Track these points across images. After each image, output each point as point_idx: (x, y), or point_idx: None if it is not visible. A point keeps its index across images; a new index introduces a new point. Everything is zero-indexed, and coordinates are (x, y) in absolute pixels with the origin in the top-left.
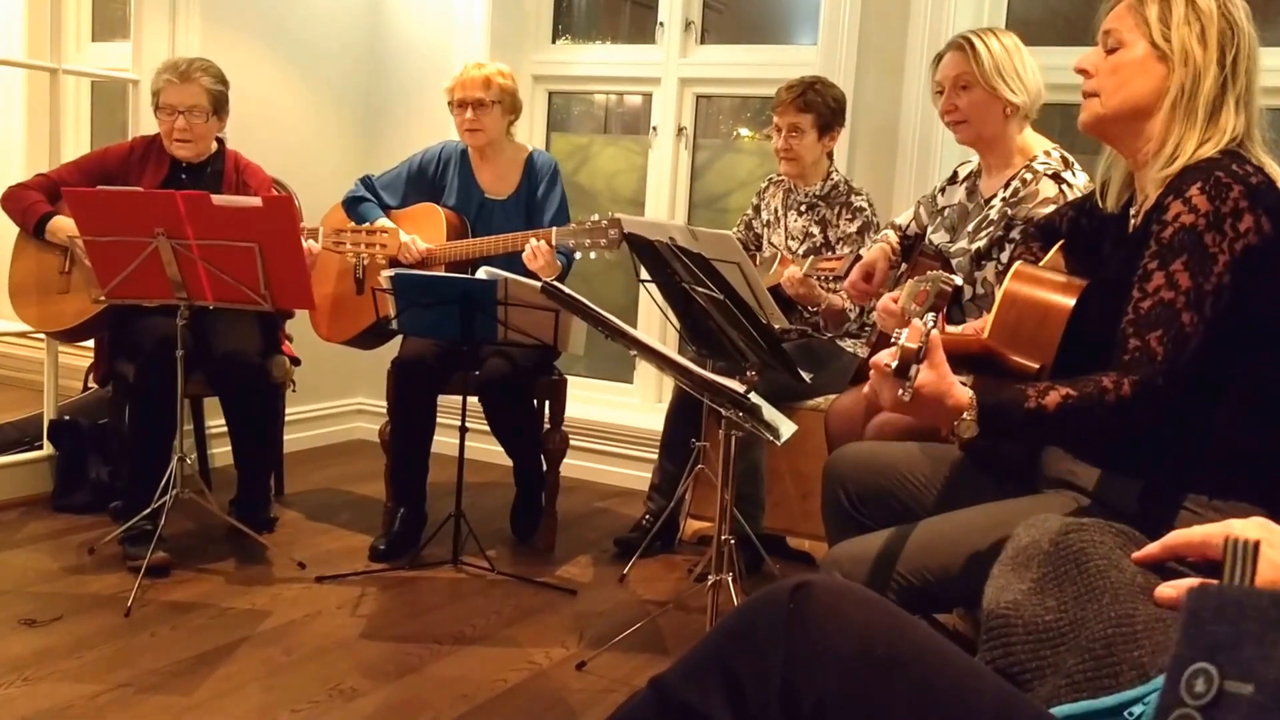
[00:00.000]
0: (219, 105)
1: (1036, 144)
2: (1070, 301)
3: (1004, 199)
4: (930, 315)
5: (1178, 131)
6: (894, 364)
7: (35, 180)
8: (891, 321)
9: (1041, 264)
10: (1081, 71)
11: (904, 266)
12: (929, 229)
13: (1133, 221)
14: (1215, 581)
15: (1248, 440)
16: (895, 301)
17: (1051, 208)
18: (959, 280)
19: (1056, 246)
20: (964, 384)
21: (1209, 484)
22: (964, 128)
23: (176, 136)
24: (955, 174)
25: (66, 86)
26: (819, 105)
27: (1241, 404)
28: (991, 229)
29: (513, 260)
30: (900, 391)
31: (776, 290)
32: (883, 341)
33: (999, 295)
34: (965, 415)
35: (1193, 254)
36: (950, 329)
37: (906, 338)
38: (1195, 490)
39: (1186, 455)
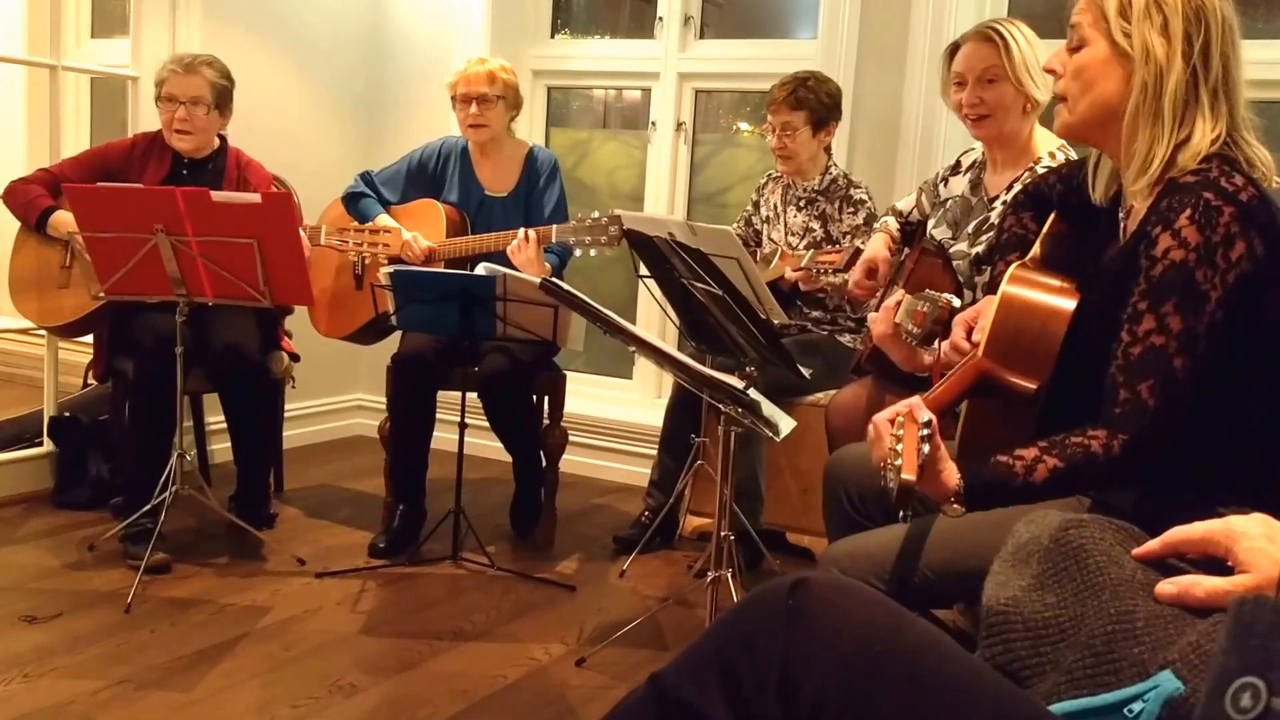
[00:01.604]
0: (222, 100)
1: (1043, 142)
2: (1070, 306)
3: (1006, 203)
4: (925, 429)
5: (1145, 135)
6: (894, 493)
7: (37, 175)
8: (882, 328)
9: (1029, 256)
10: (1050, 71)
11: (905, 252)
12: (930, 220)
13: (1122, 225)
14: (1268, 596)
15: (1249, 455)
16: (892, 311)
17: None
18: (958, 302)
19: (1046, 226)
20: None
21: (1210, 492)
22: (987, 122)
23: (176, 127)
24: (959, 163)
25: (66, 83)
26: (810, 102)
27: (1243, 421)
28: (992, 233)
29: None
30: (900, 515)
31: (776, 286)
32: (878, 356)
33: (995, 301)
34: (953, 501)
35: (1184, 294)
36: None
37: (904, 466)
38: (1195, 495)
39: (1189, 470)
